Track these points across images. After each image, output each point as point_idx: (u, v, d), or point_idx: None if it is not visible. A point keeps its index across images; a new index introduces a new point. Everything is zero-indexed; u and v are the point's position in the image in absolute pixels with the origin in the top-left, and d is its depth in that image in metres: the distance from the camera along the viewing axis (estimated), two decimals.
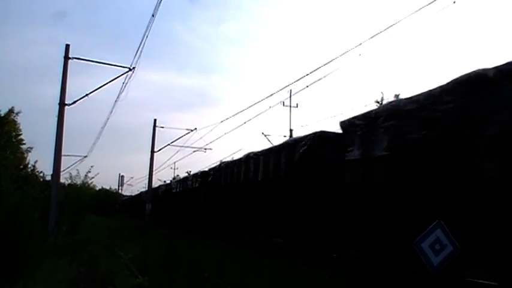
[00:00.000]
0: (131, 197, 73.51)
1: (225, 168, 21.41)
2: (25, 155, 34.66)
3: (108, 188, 77.51)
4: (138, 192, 62.53)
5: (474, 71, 8.02)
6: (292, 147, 14.58)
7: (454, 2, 10.88)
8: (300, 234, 13.51)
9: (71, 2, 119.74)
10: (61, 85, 19.37)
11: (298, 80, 18.57)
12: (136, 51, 18.11)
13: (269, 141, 32.11)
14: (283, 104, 32.60)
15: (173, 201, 33.07)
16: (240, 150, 52.77)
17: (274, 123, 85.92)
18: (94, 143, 34.28)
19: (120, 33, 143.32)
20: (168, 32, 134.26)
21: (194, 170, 30.46)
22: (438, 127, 8.45)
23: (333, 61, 15.70)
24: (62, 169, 20.77)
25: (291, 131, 32.94)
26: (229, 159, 23.48)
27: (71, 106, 19.45)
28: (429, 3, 11.18)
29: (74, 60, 19.64)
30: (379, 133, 10.12)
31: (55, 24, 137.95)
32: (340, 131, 12.26)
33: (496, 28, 68.55)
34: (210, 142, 36.47)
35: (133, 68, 19.08)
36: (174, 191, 33.24)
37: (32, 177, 26.23)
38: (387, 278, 9.45)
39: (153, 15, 14.81)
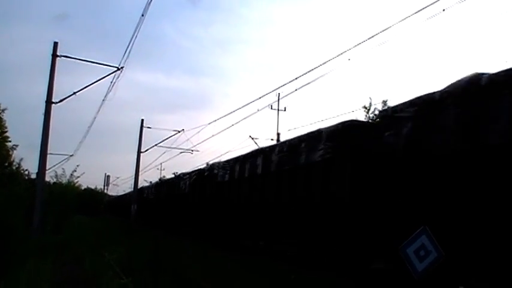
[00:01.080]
0: (118, 197, 72.90)
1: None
2: (10, 153, 34.27)
3: (93, 187, 77.10)
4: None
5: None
6: None
7: (444, 10, 10.98)
8: None
9: (60, 2, 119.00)
10: (48, 83, 19.26)
11: (287, 83, 18.45)
12: (125, 51, 18.09)
13: (256, 144, 32.02)
14: (271, 107, 32.61)
15: (214, 199, 19.47)
16: (227, 152, 52.65)
17: (261, 127, 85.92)
18: (80, 142, 34.04)
19: (109, 32, 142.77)
20: (157, 32, 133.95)
21: (180, 171, 30.17)
22: None
23: (322, 65, 15.60)
24: (47, 168, 20.62)
25: (278, 134, 32.97)
26: (216, 161, 22.82)
27: (58, 104, 19.38)
28: (419, 11, 11.29)
29: (62, 58, 19.57)
30: None
31: (43, 22, 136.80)
32: None
33: (485, 35, 69.30)
34: (197, 144, 36.40)
35: (122, 67, 19.06)
36: (220, 179, 19.02)
37: (16, 175, 26.02)
38: None
39: (142, 15, 14.74)
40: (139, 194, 36.84)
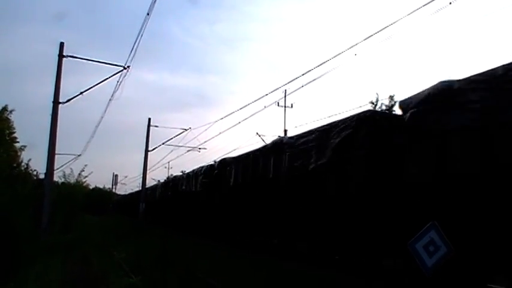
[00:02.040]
0: (128, 195, 72.95)
1: None
2: (18, 153, 34.47)
3: (101, 187, 77.50)
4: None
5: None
6: None
7: (450, 3, 10.88)
8: None
9: (65, 1, 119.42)
10: (55, 83, 19.29)
11: (293, 80, 18.32)
12: (131, 50, 18.10)
13: (264, 141, 31.96)
14: (278, 104, 32.56)
15: None
16: (234, 150, 52.52)
17: (268, 124, 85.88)
18: (88, 142, 34.24)
19: (115, 32, 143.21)
20: (162, 31, 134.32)
21: (188, 170, 29.97)
22: None
23: (329, 61, 15.48)
24: (55, 168, 20.67)
25: (285, 131, 32.90)
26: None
27: (65, 104, 19.42)
28: (425, 4, 11.18)
29: (69, 58, 19.59)
30: None
31: (50, 22, 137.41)
32: None
33: (492, 29, 68.83)
34: (204, 142, 36.29)
35: (128, 66, 19.06)
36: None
37: (24, 175, 26.13)
38: None
39: (148, 14, 14.72)
40: (169, 185, 33.86)
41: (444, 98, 8.52)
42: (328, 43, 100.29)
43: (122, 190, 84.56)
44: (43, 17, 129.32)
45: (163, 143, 35.66)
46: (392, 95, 27.50)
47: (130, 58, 18.73)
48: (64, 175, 29.06)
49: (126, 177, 78.83)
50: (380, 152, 9.92)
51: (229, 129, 59.00)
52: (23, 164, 29.82)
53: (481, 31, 69.37)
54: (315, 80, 18.10)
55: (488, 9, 51.49)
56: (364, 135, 10.38)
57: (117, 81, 19.94)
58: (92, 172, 32.01)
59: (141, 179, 36.42)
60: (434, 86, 8.94)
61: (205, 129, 35.72)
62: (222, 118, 30.34)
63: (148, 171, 36.28)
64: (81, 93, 19.62)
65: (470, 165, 7.83)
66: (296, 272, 10.17)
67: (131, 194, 62.33)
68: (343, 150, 10.85)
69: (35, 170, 28.93)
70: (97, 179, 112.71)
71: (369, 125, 10.41)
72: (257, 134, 34.32)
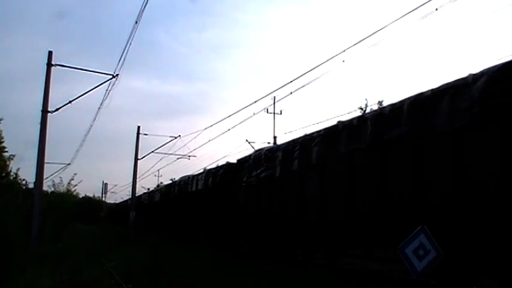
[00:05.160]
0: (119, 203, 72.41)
1: None
2: (7, 163, 34.14)
3: (91, 195, 76.93)
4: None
5: None
6: None
7: (436, 9, 11.04)
8: None
9: (53, 9, 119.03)
10: (44, 92, 19.21)
11: (282, 86, 18.34)
12: (120, 58, 18.04)
13: (253, 148, 32.02)
14: (267, 111, 32.64)
15: None
16: (224, 157, 52.45)
17: (258, 130, 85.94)
18: (77, 151, 34.08)
19: (104, 40, 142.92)
20: (151, 39, 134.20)
21: (178, 177, 29.81)
22: None
23: (317, 68, 15.57)
24: (45, 177, 20.54)
25: (274, 138, 32.97)
26: (213, 166, 22.07)
27: (54, 113, 19.30)
28: (411, 11, 11.31)
29: (57, 67, 19.50)
30: None
31: (38, 31, 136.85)
32: None
33: (478, 34, 69.52)
34: (194, 149, 36.20)
35: (117, 75, 18.99)
36: None
37: (14, 185, 25.92)
38: None
39: (136, 22, 14.74)
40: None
41: None
42: (317, 49, 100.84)
43: (111, 199, 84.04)
44: (32, 25, 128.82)
45: (153, 151, 35.58)
46: (381, 100, 27.57)
47: (119, 66, 18.65)
48: (54, 184, 28.94)
49: (116, 185, 78.43)
50: None
51: (218, 137, 58.85)
52: (11, 173, 29.58)
53: (467, 36, 70.05)
54: (303, 86, 18.22)
55: (473, 14, 52.03)
56: None
57: (106, 90, 19.90)
58: (81, 181, 32.02)
59: (131, 188, 36.32)
60: None
61: (195, 137, 35.55)
62: (211, 125, 30.23)
63: (138, 180, 36.20)
64: (70, 102, 19.56)
65: None
66: (288, 275, 10.17)
67: (122, 203, 61.96)
68: None
69: (24, 180, 28.72)
70: (87, 188, 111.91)
71: None
72: (247, 141, 34.33)
